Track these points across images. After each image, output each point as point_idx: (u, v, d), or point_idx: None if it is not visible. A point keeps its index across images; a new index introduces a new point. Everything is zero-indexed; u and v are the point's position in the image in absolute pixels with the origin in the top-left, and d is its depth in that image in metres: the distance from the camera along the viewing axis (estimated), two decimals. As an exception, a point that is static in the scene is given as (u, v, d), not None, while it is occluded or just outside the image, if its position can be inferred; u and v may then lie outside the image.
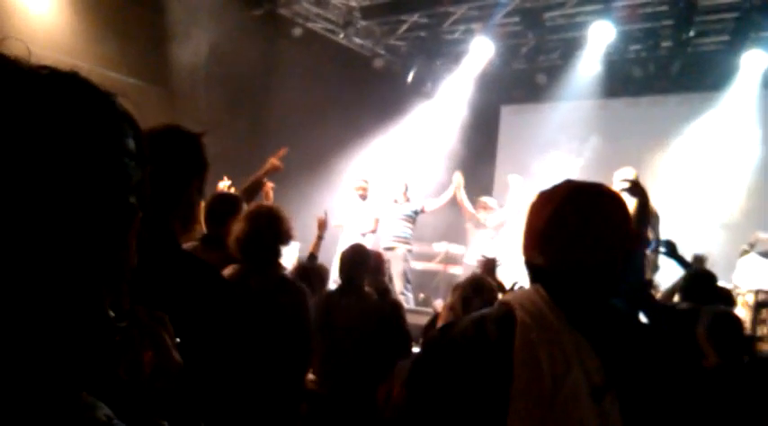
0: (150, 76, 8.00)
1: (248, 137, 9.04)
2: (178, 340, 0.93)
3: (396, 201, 8.55)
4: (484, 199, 8.80)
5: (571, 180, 1.52)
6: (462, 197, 8.59)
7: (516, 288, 3.34)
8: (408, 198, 8.60)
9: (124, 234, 0.67)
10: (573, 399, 1.31)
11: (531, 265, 1.49)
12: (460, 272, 9.07)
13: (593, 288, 1.44)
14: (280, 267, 3.19)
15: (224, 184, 4.75)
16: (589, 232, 1.41)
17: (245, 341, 2.63)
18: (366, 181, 8.51)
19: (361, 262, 4.69)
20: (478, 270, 5.26)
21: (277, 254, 3.11)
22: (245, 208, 3.43)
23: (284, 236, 3.11)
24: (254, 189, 4.39)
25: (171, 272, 1.66)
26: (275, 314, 2.95)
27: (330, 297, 4.74)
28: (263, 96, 9.54)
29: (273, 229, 3.08)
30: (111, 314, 0.67)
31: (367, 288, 4.74)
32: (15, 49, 0.63)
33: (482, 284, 3.64)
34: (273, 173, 4.25)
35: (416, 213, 8.55)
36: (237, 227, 3.05)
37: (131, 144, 0.68)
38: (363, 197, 8.42)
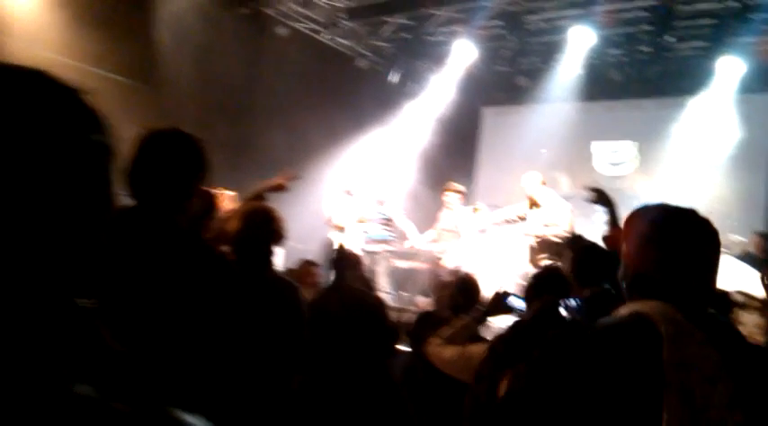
0: (136, 74, 8.01)
1: (232, 135, 9.07)
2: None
3: (378, 203, 8.68)
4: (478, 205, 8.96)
5: (670, 205, 1.65)
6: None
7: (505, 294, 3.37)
8: (384, 201, 8.75)
9: (85, 225, 0.68)
10: (718, 416, 1.34)
11: (647, 280, 1.55)
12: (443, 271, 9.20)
13: (707, 305, 1.55)
14: (273, 266, 3.22)
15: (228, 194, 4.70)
16: (706, 254, 1.55)
17: (239, 333, 2.70)
18: (355, 181, 8.63)
19: (347, 259, 4.72)
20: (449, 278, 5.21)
21: (270, 254, 3.13)
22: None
23: (277, 236, 3.15)
24: (257, 200, 4.34)
25: (182, 261, 1.74)
26: (268, 313, 2.98)
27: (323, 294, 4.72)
28: (247, 94, 9.57)
29: (267, 228, 3.10)
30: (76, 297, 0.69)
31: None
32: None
33: (470, 284, 3.73)
34: (278, 192, 4.17)
35: (391, 218, 8.72)
36: (231, 226, 3.08)
37: (99, 138, 0.70)
38: (350, 195, 8.56)
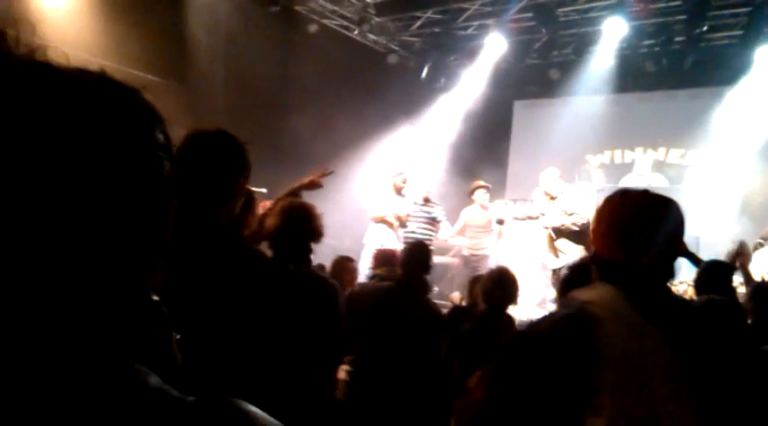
0: (168, 73, 8.11)
1: (264, 133, 9.13)
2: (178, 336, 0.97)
3: (420, 203, 8.67)
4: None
5: (635, 189, 1.79)
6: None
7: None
8: (430, 200, 8.73)
9: (161, 220, 0.72)
10: (652, 385, 1.48)
11: (606, 263, 1.69)
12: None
13: (662, 282, 1.68)
14: (311, 263, 3.23)
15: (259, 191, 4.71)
16: (661, 233, 1.66)
17: (277, 329, 2.73)
18: (402, 175, 8.63)
19: (424, 261, 4.48)
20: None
21: (308, 251, 3.14)
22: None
23: (316, 233, 3.17)
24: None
25: (221, 259, 1.78)
26: (306, 310, 3.00)
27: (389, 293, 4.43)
28: (278, 92, 9.63)
29: (306, 226, 3.12)
30: (151, 295, 0.73)
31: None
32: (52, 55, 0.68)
33: (505, 277, 3.72)
34: (312, 190, 4.19)
35: (435, 220, 8.72)
36: (270, 223, 3.11)
37: (161, 137, 0.72)
38: (399, 191, 8.58)
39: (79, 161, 0.64)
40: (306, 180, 4.26)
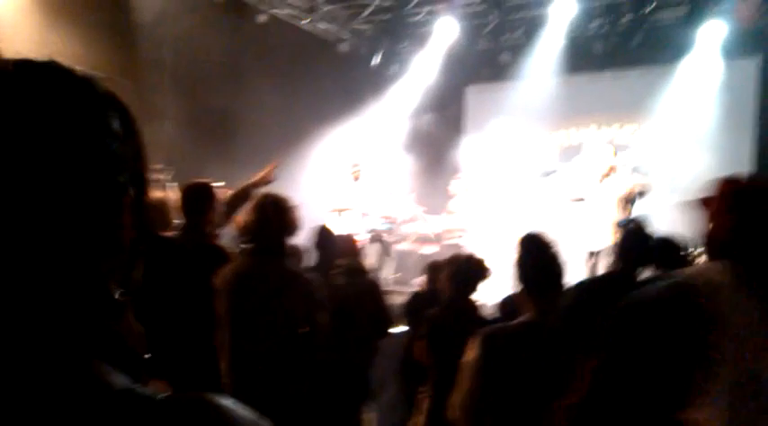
0: (114, 68, 7.93)
1: (217, 126, 9.02)
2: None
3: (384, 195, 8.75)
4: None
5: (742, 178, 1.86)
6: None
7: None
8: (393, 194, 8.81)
9: (116, 211, 0.69)
10: (756, 356, 1.54)
11: (722, 243, 1.75)
12: (433, 251, 9.26)
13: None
14: (286, 257, 3.21)
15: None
16: None
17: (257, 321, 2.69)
18: (358, 166, 8.69)
19: (333, 244, 4.70)
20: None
21: (284, 244, 3.13)
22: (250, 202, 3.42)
23: (291, 226, 3.15)
24: (242, 197, 4.27)
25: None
26: (282, 303, 2.99)
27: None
28: (229, 84, 9.50)
29: (281, 219, 3.09)
30: (112, 288, 0.69)
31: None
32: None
33: (472, 263, 3.74)
34: (264, 185, 4.20)
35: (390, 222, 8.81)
36: (244, 217, 3.08)
37: (116, 124, 0.69)
38: (357, 179, 8.63)
39: (24, 151, 0.61)
40: (257, 177, 4.27)
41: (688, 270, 1.74)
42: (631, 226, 3.70)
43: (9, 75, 0.65)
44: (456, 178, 9.01)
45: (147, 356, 0.72)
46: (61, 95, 0.66)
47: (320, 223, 4.98)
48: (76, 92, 0.67)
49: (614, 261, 3.86)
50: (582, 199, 7.69)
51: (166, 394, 0.64)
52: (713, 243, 1.75)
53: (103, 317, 0.67)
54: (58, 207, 0.63)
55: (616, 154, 7.56)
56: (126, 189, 0.70)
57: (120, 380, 0.64)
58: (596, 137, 10.92)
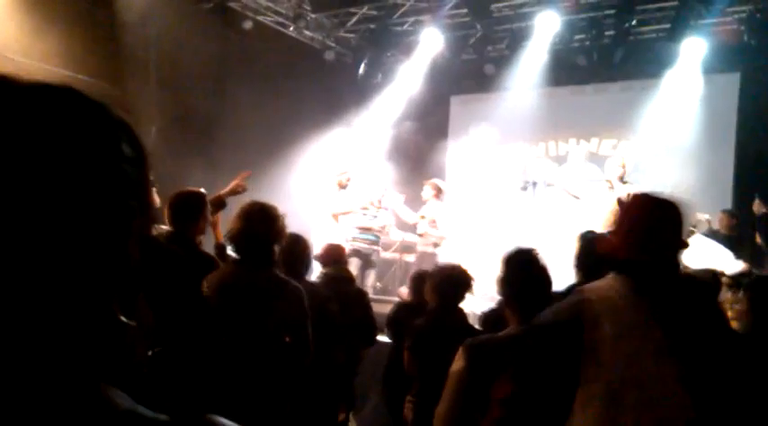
0: (98, 72, 7.88)
1: (200, 133, 8.99)
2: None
3: (371, 205, 8.64)
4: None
5: (649, 193, 2.09)
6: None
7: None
8: (382, 205, 8.72)
9: (126, 235, 0.69)
10: (631, 359, 1.69)
11: (620, 261, 1.94)
12: (411, 260, 9.29)
13: (673, 274, 1.93)
14: (273, 265, 3.19)
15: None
16: (671, 233, 1.94)
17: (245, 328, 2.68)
18: (347, 174, 8.63)
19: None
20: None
21: (271, 252, 3.12)
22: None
23: (278, 234, 3.14)
24: (215, 206, 4.24)
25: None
26: (269, 311, 2.97)
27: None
28: (214, 90, 9.48)
29: (268, 228, 3.09)
30: (118, 311, 0.69)
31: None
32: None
33: (457, 273, 3.75)
34: (236, 194, 4.19)
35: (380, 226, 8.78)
36: (231, 225, 3.07)
37: (127, 149, 0.71)
38: (343, 187, 8.56)
39: (39, 177, 0.62)
40: (229, 188, 4.26)
41: (589, 286, 1.93)
42: (589, 236, 3.69)
43: (27, 98, 0.65)
44: (426, 183, 8.95)
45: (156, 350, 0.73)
46: (78, 119, 0.66)
47: (304, 230, 4.95)
48: (93, 116, 0.68)
49: (575, 273, 3.87)
50: (578, 198, 7.70)
51: (170, 416, 0.65)
52: (611, 259, 1.94)
53: (109, 339, 0.68)
54: (73, 229, 0.64)
55: (625, 165, 7.52)
56: (136, 212, 0.71)
57: (124, 401, 0.65)
58: (577, 149, 11.02)
